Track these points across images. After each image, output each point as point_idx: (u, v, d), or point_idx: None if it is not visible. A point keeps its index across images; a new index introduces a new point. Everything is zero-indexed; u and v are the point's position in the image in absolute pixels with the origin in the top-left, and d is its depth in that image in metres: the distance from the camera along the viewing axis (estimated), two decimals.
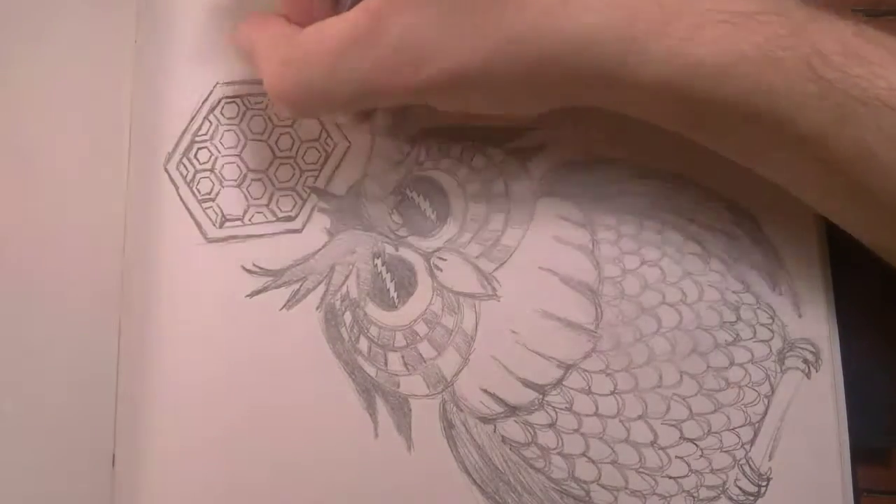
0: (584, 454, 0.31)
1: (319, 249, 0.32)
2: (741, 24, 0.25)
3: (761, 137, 0.26)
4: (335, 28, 0.27)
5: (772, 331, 0.31)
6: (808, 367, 0.31)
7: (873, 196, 0.26)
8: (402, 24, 0.26)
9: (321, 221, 0.32)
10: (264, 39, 0.28)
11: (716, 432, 0.31)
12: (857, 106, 0.24)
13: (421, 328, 0.31)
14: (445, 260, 0.32)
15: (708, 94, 0.25)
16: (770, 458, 0.30)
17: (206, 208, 0.32)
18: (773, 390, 0.31)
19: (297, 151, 0.33)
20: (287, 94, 0.28)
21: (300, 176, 0.33)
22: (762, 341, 0.31)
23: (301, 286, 0.32)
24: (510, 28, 0.25)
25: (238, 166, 0.33)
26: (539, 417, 0.31)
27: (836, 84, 0.24)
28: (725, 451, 0.30)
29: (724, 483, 0.30)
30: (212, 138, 0.33)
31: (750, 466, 0.30)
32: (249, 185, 0.33)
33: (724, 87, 0.25)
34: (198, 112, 0.33)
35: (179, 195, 0.33)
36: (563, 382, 0.31)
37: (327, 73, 0.27)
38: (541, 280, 0.32)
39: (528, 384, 0.31)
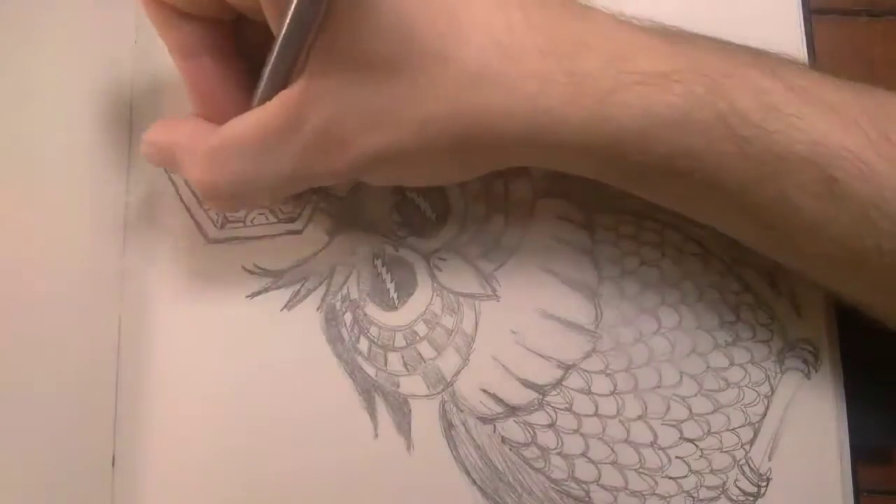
0: (583, 454, 0.31)
1: (320, 250, 0.32)
2: (656, 84, 0.24)
3: (690, 192, 0.27)
4: (257, 117, 0.26)
5: (771, 331, 0.31)
6: (808, 368, 0.31)
7: (802, 249, 0.26)
8: (322, 113, 0.25)
9: (322, 222, 0.33)
10: (183, 138, 0.27)
11: (715, 432, 0.31)
12: (776, 162, 0.24)
13: (421, 328, 0.32)
14: (445, 260, 0.32)
15: (630, 157, 0.25)
16: (770, 459, 0.30)
17: (207, 209, 0.33)
18: (772, 391, 0.31)
19: None
20: (218, 186, 0.27)
21: None
22: (762, 342, 0.31)
23: (301, 287, 0.32)
24: (425, 109, 0.25)
25: None
26: (539, 418, 0.31)
27: (754, 142, 0.24)
28: (725, 452, 0.30)
29: (724, 483, 0.30)
30: None
31: (749, 467, 0.30)
32: None
33: (644, 150, 0.25)
34: None
35: (180, 195, 0.33)
36: (563, 383, 0.31)
37: (255, 161, 0.26)
38: (541, 280, 0.32)
39: (527, 384, 0.31)
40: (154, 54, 0.33)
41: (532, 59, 0.25)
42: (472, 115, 0.25)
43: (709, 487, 0.30)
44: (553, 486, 0.30)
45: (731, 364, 0.31)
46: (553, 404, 0.31)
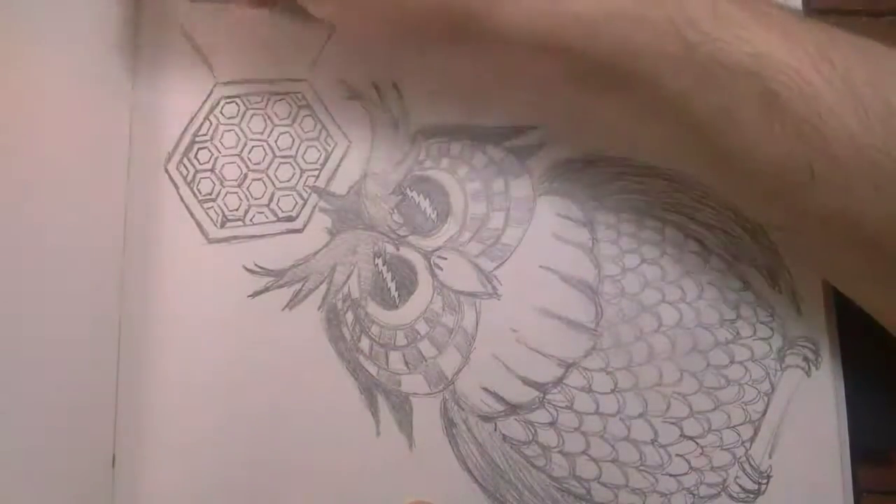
0: (584, 452, 0.31)
1: (320, 249, 0.32)
2: None
3: (633, 97, 0.27)
4: None
5: (772, 328, 0.31)
6: (809, 365, 0.31)
7: (737, 163, 0.26)
8: None
9: (322, 221, 0.33)
10: None
11: (716, 430, 0.31)
12: (719, 70, 0.25)
13: (422, 327, 0.32)
14: (446, 259, 0.32)
15: (581, 49, 0.26)
16: (770, 456, 0.30)
17: (207, 208, 0.32)
18: (773, 388, 0.31)
19: (297, 151, 0.33)
20: None
21: (300, 175, 0.33)
22: (762, 339, 0.31)
23: (303, 286, 0.32)
24: None
25: (238, 166, 0.33)
26: (540, 416, 0.31)
27: (700, 48, 0.25)
28: (725, 449, 0.31)
29: (725, 481, 0.30)
30: (212, 138, 0.33)
31: (750, 464, 0.30)
32: (250, 185, 0.33)
33: (595, 43, 0.26)
34: (198, 112, 0.33)
35: (180, 195, 0.33)
36: (564, 381, 0.31)
37: None
38: (541, 279, 0.32)
39: (528, 383, 0.31)
40: (154, 55, 0.33)
41: None
42: None
43: (709, 485, 0.30)
44: (554, 483, 0.31)
45: (732, 361, 0.31)
46: (554, 402, 0.31)
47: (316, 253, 0.32)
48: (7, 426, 0.28)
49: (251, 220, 0.33)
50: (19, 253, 0.29)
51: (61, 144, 0.31)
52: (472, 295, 0.32)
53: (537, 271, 0.32)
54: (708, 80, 0.25)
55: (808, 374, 0.31)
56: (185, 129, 0.33)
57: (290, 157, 0.33)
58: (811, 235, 0.28)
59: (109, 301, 0.32)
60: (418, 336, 0.32)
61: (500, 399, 0.31)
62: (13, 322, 0.28)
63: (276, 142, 0.33)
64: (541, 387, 0.31)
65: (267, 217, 0.33)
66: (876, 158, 0.24)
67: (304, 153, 0.33)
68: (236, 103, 0.33)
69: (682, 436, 0.31)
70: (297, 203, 0.33)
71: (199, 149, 0.33)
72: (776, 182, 0.26)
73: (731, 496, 0.30)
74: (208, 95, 0.33)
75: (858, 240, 0.26)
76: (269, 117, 0.33)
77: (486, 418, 0.31)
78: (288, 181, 0.33)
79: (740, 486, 0.30)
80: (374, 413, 0.31)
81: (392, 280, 0.32)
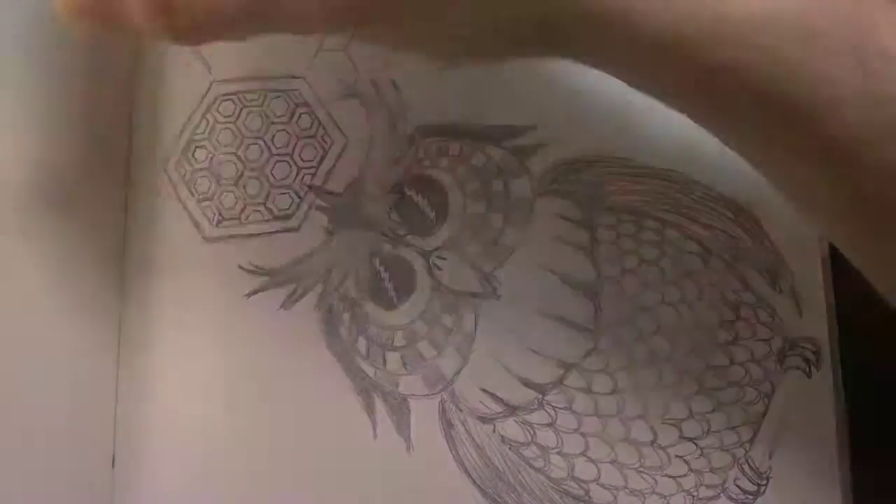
0: (583, 453, 0.31)
1: (317, 248, 0.32)
2: None
3: (785, 135, 0.21)
4: None
5: (772, 330, 0.31)
6: (809, 367, 0.31)
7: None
8: None
9: (319, 220, 0.32)
10: None
11: (715, 431, 0.31)
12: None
13: (420, 327, 0.31)
14: (444, 259, 0.32)
15: (732, 65, 0.20)
16: (770, 458, 0.30)
17: (205, 207, 0.32)
18: (773, 389, 0.31)
19: (293, 148, 0.33)
20: None
21: (297, 173, 0.33)
22: (762, 340, 0.31)
23: (299, 285, 0.32)
24: None
25: (235, 164, 0.33)
26: (538, 417, 0.31)
27: (886, 85, 0.20)
28: (725, 450, 0.30)
29: (724, 482, 0.30)
30: (209, 137, 0.33)
31: (750, 465, 0.30)
32: (246, 184, 0.33)
33: (753, 60, 0.20)
34: (195, 111, 0.33)
35: (178, 195, 0.32)
36: (563, 382, 0.31)
37: None
38: (540, 279, 0.31)
39: (527, 384, 0.31)
40: (154, 54, 0.33)
41: None
42: None
43: (708, 486, 0.30)
44: (553, 485, 0.31)
45: (732, 363, 0.31)
46: (553, 403, 0.31)
47: (312, 252, 0.32)
48: (7, 426, 0.28)
49: (247, 218, 0.32)
50: (18, 255, 0.29)
51: (60, 144, 0.31)
52: (471, 295, 0.32)
53: (537, 272, 0.32)
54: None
55: (808, 375, 0.31)
56: (184, 128, 0.33)
57: (287, 154, 0.33)
58: None
59: (109, 301, 0.32)
60: (416, 336, 0.31)
61: (498, 400, 0.31)
62: (12, 322, 0.28)
63: (272, 139, 0.33)
64: (540, 388, 0.31)
65: (263, 215, 0.32)
66: None
67: (301, 151, 0.33)
68: (233, 101, 0.33)
69: (682, 437, 0.30)
70: (293, 201, 0.33)
71: (196, 147, 0.33)
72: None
73: (730, 498, 0.30)
74: (205, 94, 0.33)
75: None
76: (265, 115, 0.33)
77: (485, 420, 0.31)
78: (284, 179, 0.33)
79: (740, 487, 0.30)
80: (372, 415, 0.31)
81: (390, 280, 0.32)
